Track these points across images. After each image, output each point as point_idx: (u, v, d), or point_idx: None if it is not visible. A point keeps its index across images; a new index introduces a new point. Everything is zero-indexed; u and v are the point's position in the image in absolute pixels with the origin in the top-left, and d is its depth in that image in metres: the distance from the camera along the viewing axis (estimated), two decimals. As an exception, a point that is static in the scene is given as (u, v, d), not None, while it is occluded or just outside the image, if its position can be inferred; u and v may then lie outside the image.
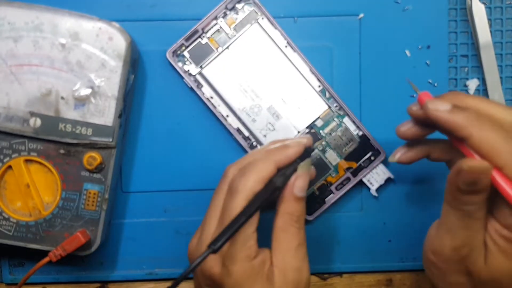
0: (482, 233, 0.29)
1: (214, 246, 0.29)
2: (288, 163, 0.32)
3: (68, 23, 0.35)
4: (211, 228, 0.31)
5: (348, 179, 0.40)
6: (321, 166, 0.40)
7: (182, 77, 0.38)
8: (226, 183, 0.32)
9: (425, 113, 0.29)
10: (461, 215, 0.28)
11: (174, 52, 0.38)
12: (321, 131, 0.39)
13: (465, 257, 0.29)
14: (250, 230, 0.30)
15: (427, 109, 0.29)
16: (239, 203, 0.30)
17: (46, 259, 0.36)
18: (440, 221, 0.30)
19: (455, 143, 0.29)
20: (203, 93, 0.39)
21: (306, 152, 0.33)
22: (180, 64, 0.38)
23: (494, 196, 0.28)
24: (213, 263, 0.30)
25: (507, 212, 0.28)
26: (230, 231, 0.29)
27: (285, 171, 0.31)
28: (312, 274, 0.41)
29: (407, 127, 0.32)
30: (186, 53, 0.38)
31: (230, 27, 0.38)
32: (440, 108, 0.28)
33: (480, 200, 0.28)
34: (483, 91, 0.40)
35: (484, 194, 0.27)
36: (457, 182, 0.27)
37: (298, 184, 0.31)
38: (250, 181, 0.30)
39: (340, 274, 0.42)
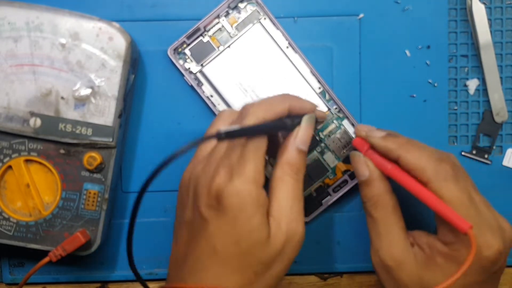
0: (393, 239, 0.32)
1: (223, 133, 0.28)
2: (299, 112, 0.32)
3: (68, 23, 0.35)
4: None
5: (346, 181, 0.40)
6: (319, 168, 0.39)
7: (183, 75, 0.38)
8: (240, 112, 0.32)
9: (364, 138, 0.34)
10: (370, 221, 0.33)
11: (175, 49, 0.38)
12: (319, 133, 0.39)
13: (388, 266, 0.32)
14: (259, 153, 0.30)
15: (366, 137, 0.34)
16: (248, 124, 0.30)
17: (46, 259, 0.36)
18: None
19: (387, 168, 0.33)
20: (203, 91, 0.39)
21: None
22: (181, 61, 0.38)
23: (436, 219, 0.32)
24: (222, 179, 0.29)
25: (445, 229, 0.31)
26: (242, 130, 0.29)
27: (293, 119, 0.32)
28: (312, 274, 0.41)
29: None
30: (187, 51, 0.38)
31: (232, 26, 0.38)
32: (375, 135, 0.34)
33: (375, 193, 0.33)
34: (483, 91, 0.40)
35: (373, 187, 0.33)
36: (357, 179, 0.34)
37: (301, 135, 0.32)
38: (262, 109, 0.31)
39: (340, 274, 0.42)
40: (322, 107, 0.39)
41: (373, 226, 0.33)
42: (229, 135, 0.28)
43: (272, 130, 0.32)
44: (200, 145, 0.33)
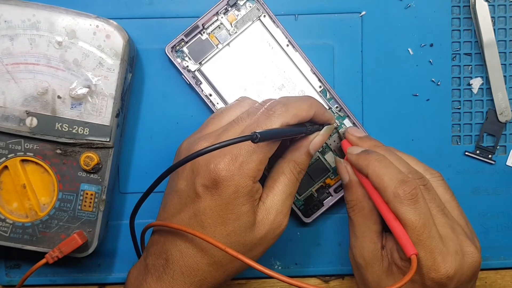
0: (365, 240, 0.34)
1: (258, 134, 0.28)
2: (319, 120, 0.34)
3: (65, 21, 0.35)
4: (233, 134, 0.32)
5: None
6: (320, 168, 0.39)
7: (181, 74, 0.38)
8: (264, 105, 0.33)
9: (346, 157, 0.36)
10: (349, 221, 0.35)
11: (173, 47, 0.38)
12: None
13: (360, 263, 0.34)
14: (268, 155, 0.32)
15: (347, 154, 0.36)
16: (272, 125, 0.31)
17: (43, 261, 0.35)
18: None
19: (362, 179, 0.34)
20: (202, 90, 0.38)
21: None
22: (179, 60, 0.38)
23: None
24: (224, 166, 0.30)
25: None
26: (274, 134, 0.30)
27: (313, 125, 0.34)
28: (313, 276, 0.41)
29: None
30: (185, 49, 0.38)
31: (231, 24, 0.38)
32: (352, 152, 0.35)
33: (353, 198, 0.34)
34: (486, 90, 0.40)
35: (351, 192, 0.34)
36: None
37: (316, 141, 0.34)
38: (290, 114, 0.32)
39: (342, 276, 0.41)
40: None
41: (351, 226, 0.35)
42: (263, 138, 0.29)
43: (296, 135, 0.33)
44: (208, 121, 0.35)
